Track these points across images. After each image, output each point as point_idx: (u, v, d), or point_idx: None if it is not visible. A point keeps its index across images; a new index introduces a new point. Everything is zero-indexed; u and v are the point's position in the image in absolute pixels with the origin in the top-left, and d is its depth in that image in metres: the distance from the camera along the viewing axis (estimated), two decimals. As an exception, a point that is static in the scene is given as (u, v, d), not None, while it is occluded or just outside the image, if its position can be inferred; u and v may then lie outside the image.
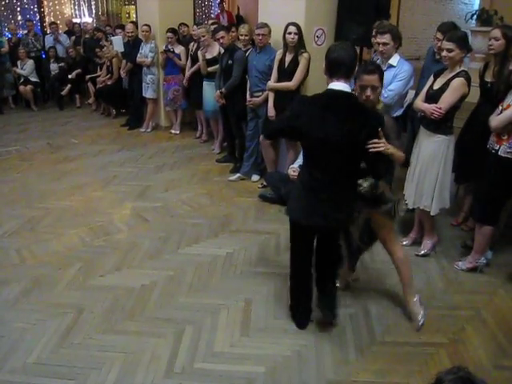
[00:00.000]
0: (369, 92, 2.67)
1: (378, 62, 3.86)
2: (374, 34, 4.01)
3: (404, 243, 3.94)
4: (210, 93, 5.86)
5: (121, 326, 2.96)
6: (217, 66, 5.69)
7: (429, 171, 3.55)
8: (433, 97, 3.45)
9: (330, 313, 2.93)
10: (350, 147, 2.48)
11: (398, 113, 3.88)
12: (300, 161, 4.68)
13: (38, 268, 3.62)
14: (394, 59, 3.73)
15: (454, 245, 3.97)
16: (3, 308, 3.14)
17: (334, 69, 2.51)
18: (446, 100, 3.34)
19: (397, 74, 3.70)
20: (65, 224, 4.34)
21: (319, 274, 2.93)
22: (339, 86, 2.50)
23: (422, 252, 3.82)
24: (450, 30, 3.76)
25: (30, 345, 2.79)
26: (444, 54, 3.37)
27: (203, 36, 5.80)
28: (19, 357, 2.70)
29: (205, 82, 6.09)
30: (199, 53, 6.05)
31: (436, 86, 3.48)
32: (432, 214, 3.65)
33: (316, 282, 2.96)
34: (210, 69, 5.89)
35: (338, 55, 2.51)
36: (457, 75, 3.35)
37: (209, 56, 5.92)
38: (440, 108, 3.33)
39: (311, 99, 2.63)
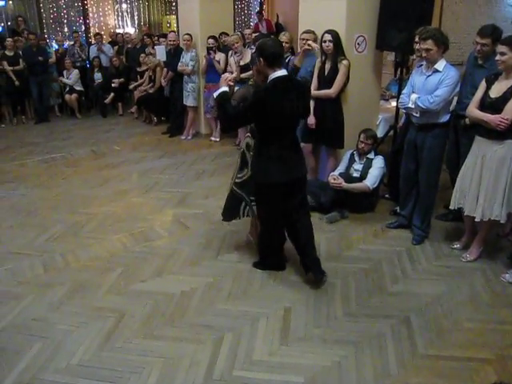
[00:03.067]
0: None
1: (422, 66, 3.80)
2: (416, 40, 3.94)
3: (455, 246, 3.92)
4: None
5: (160, 332, 2.99)
6: (248, 73, 5.76)
7: (499, 178, 3.42)
8: (493, 106, 3.33)
9: (321, 271, 3.44)
10: (302, 114, 3.36)
11: (444, 119, 3.78)
12: (340, 169, 4.67)
13: (82, 272, 3.71)
14: (440, 64, 3.64)
15: (500, 256, 3.83)
16: (48, 310, 3.23)
17: (276, 60, 3.08)
18: None
19: (443, 79, 3.61)
20: (107, 229, 4.44)
21: (301, 234, 3.45)
22: (283, 72, 3.10)
23: (469, 258, 3.74)
24: (490, 34, 3.66)
25: (73, 346, 2.86)
26: (497, 58, 3.27)
27: (237, 43, 5.89)
28: (63, 358, 2.77)
29: (237, 88, 6.14)
30: (232, 59, 6.14)
31: (494, 94, 3.35)
32: (502, 221, 3.54)
33: (300, 247, 3.50)
34: (242, 75, 5.96)
35: (276, 50, 3.08)
36: None
37: (242, 63, 5.99)
38: (507, 119, 3.22)
39: (271, 89, 3.07)
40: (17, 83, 8.54)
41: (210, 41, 6.85)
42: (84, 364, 2.72)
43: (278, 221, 3.44)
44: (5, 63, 8.48)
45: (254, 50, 3.11)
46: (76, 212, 4.84)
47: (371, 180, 4.44)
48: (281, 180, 3.21)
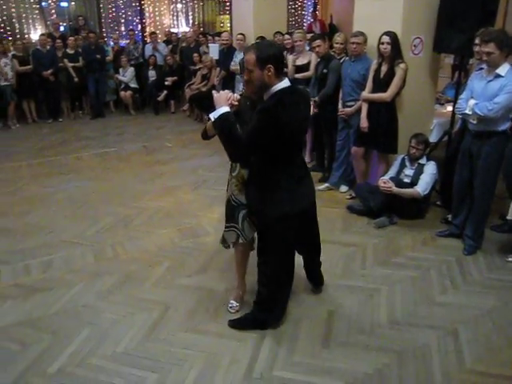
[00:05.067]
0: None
1: (482, 70, 3.65)
2: (477, 42, 3.80)
3: (510, 259, 3.80)
4: None
5: (204, 327, 3.03)
6: (304, 74, 5.70)
7: None
8: None
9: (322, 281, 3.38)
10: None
11: (503, 127, 3.60)
12: (391, 173, 4.57)
13: (130, 264, 3.81)
14: (503, 69, 3.46)
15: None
16: (97, 298, 3.35)
17: (283, 67, 2.62)
18: None
19: (505, 85, 3.43)
20: (156, 224, 4.55)
21: (310, 253, 3.26)
22: (287, 82, 2.60)
23: None
24: None
25: (119, 335, 2.95)
26: None
27: (300, 41, 5.78)
28: (109, 345, 2.86)
29: None
30: (289, 57, 6.04)
31: None
32: None
33: (307, 263, 3.31)
34: (297, 75, 5.88)
35: (283, 56, 2.65)
36: None
37: (299, 63, 5.89)
38: None
39: (282, 103, 2.51)
40: (76, 80, 8.91)
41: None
42: (128, 352, 2.80)
43: (289, 261, 2.94)
44: (66, 60, 8.86)
45: (250, 56, 2.51)
46: (127, 205, 4.99)
47: (423, 186, 4.32)
48: (295, 210, 2.72)
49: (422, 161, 4.49)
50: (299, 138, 2.77)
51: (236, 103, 2.65)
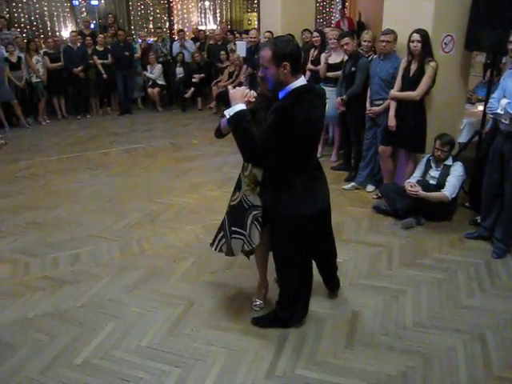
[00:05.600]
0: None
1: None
2: (511, 39, 3.69)
3: None
4: (328, 98, 5.69)
5: (227, 323, 3.04)
6: (335, 73, 5.63)
7: None
8: None
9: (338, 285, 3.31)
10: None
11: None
12: (416, 175, 4.49)
13: (156, 259, 3.86)
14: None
15: None
16: (123, 292, 3.40)
17: (299, 65, 2.54)
18: None
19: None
20: (181, 220, 4.59)
21: (325, 256, 3.14)
22: (303, 80, 2.53)
23: None
24: None
25: (144, 329, 2.99)
26: None
27: (335, 39, 5.70)
28: (134, 339, 2.90)
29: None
30: (322, 55, 5.97)
31: None
32: None
33: (321, 267, 3.18)
34: (329, 74, 5.83)
35: (300, 52, 2.54)
36: None
37: (331, 61, 5.82)
38: None
39: (299, 101, 2.45)
40: (105, 76, 9.03)
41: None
42: (153, 347, 2.84)
43: (306, 264, 2.89)
44: (95, 57, 9.00)
45: (266, 52, 2.43)
46: (153, 201, 5.04)
47: (450, 190, 4.22)
48: (310, 211, 2.68)
49: (448, 162, 4.38)
50: (315, 138, 2.69)
51: (253, 100, 2.56)
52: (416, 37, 4.29)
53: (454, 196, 4.27)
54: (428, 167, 4.48)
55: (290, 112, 2.40)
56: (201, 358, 2.74)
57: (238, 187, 2.98)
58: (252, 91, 2.58)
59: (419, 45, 4.29)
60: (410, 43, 4.33)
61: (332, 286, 3.32)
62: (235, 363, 2.70)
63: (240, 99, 2.46)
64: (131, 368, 2.66)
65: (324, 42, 6.39)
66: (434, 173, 4.41)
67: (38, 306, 3.25)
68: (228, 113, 2.45)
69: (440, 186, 4.30)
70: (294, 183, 2.61)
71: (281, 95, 2.53)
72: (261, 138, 2.40)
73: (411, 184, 4.32)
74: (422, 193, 4.23)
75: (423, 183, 4.36)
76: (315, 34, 6.60)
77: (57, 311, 3.18)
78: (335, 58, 5.77)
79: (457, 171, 4.31)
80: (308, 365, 2.68)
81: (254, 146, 2.41)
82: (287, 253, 2.79)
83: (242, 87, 2.55)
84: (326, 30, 7.28)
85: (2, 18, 9.11)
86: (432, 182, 4.39)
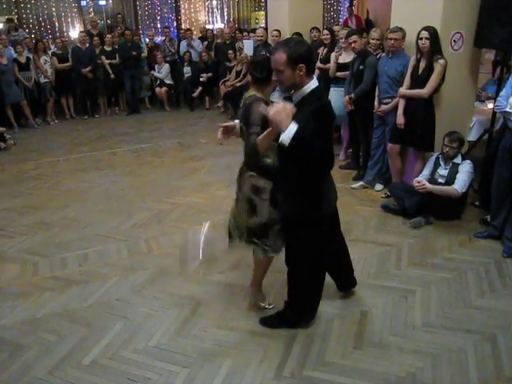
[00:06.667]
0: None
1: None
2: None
3: None
4: (337, 98, 5.59)
5: (235, 323, 3.03)
6: (346, 73, 5.58)
7: None
8: None
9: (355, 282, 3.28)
10: None
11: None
12: (425, 173, 4.45)
13: (163, 259, 3.86)
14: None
15: None
16: (131, 292, 3.40)
17: (314, 65, 2.53)
18: None
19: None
20: (190, 219, 4.59)
21: (341, 258, 3.15)
22: (316, 81, 2.50)
23: None
24: None
25: (152, 329, 2.99)
26: None
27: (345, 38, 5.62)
28: (142, 339, 2.90)
29: (332, 89, 5.90)
30: (333, 55, 5.91)
31: None
32: None
33: (338, 272, 3.19)
34: (338, 74, 5.77)
35: (312, 53, 2.50)
36: None
37: (341, 61, 5.76)
38: None
39: (327, 105, 2.46)
40: (112, 76, 9.06)
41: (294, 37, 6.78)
42: (160, 347, 2.84)
43: (321, 261, 2.86)
44: (103, 57, 9.02)
45: (280, 55, 2.37)
46: (161, 201, 5.05)
47: (460, 184, 4.17)
48: (330, 209, 2.74)
49: (457, 160, 4.32)
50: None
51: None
52: (424, 34, 4.25)
53: (463, 191, 4.20)
54: (437, 165, 4.43)
55: (329, 111, 2.44)
56: (209, 358, 2.74)
57: (253, 212, 2.89)
58: (290, 104, 2.39)
59: (427, 42, 4.25)
60: (419, 40, 4.30)
61: (348, 287, 3.30)
62: (244, 363, 2.69)
63: (287, 119, 2.26)
64: (139, 368, 2.67)
65: (334, 40, 6.35)
66: (443, 171, 4.37)
67: (47, 306, 3.26)
68: (286, 139, 2.26)
69: (448, 184, 4.25)
70: (319, 184, 2.60)
71: (296, 97, 2.49)
72: (322, 143, 2.33)
73: (418, 180, 4.29)
74: (429, 186, 4.18)
75: (432, 182, 4.32)
76: (325, 32, 6.55)
77: (65, 311, 3.20)
78: (345, 57, 5.68)
79: (466, 168, 4.26)
80: (316, 365, 2.67)
81: (321, 155, 2.35)
82: (306, 255, 2.73)
83: (281, 104, 2.31)
84: (336, 28, 7.22)
85: (12, 21, 9.18)
86: (441, 180, 4.35)
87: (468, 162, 4.32)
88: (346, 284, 3.29)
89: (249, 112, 2.70)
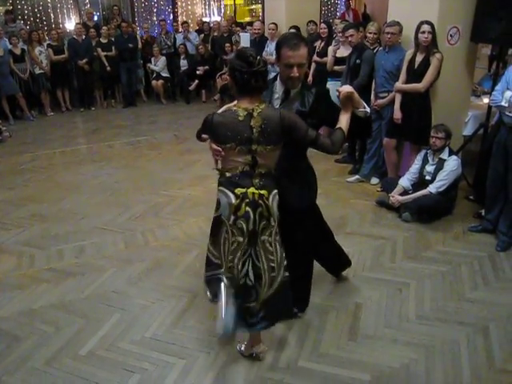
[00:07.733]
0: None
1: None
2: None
3: None
4: (334, 92, 5.63)
5: (231, 315, 3.05)
6: (343, 67, 5.58)
7: None
8: None
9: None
10: None
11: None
12: (413, 170, 4.44)
13: (160, 251, 3.87)
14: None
15: None
16: (128, 284, 3.42)
17: None
18: None
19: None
20: (186, 212, 4.60)
21: (329, 239, 3.14)
22: None
23: None
24: None
25: (148, 321, 3.01)
26: None
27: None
28: (138, 330, 2.92)
29: (329, 82, 5.87)
30: (330, 48, 5.89)
31: None
32: None
33: (330, 255, 3.23)
34: (336, 67, 5.77)
35: None
36: None
37: (339, 54, 5.74)
38: None
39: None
40: (108, 68, 9.02)
41: (291, 30, 6.76)
42: (157, 338, 2.86)
43: (315, 244, 2.96)
44: (99, 50, 8.98)
45: (305, 49, 2.44)
46: (157, 193, 5.06)
47: (436, 184, 4.17)
48: (316, 195, 2.84)
49: (444, 155, 4.26)
50: None
51: None
52: (427, 28, 4.22)
53: (440, 191, 4.18)
54: (425, 162, 4.39)
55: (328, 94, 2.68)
56: (205, 349, 2.76)
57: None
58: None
59: (430, 36, 4.23)
60: (420, 34, 4.26)
61: (338, 268, 3.37)
62: (239, 355, 2.71)
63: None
64: (136, 359, 2.69)
65: (331, 33, 6.34)
66: (430, 168, 4.33)
67: (43, 297, 3.27)
68: (368, 111, 2.51)
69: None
70: (308, 172, 2.77)
71: (293, 91, 2.63)
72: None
73: (391, 195, 4.39)
74: (401, 198, 4.29)
75: (420, 179, 4.34)
76: (322, 25, 6.55)
77: (62, 303, 3.21)
78: (343, 51, 5.67)
79: (449, 166, 4.21)
80: (311, 357, 2.70)
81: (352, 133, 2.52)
82: (307, 243, 2.83)
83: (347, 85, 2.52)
84: (336, 21, 7.20)
85: (10, 13, 9.11)
86: (428, 177, 4.32)
87: (454, 158, 4.28)
88: (338, 267, 3.36)
89: (292, 125, 2.35)
